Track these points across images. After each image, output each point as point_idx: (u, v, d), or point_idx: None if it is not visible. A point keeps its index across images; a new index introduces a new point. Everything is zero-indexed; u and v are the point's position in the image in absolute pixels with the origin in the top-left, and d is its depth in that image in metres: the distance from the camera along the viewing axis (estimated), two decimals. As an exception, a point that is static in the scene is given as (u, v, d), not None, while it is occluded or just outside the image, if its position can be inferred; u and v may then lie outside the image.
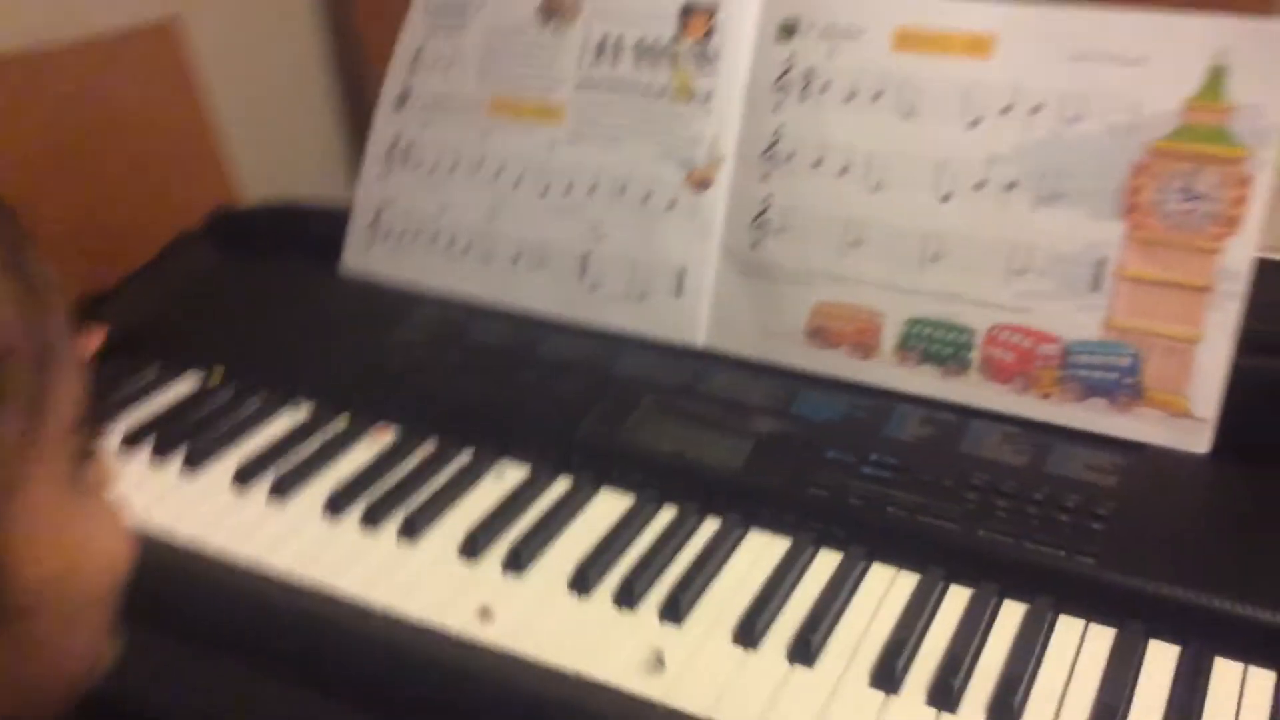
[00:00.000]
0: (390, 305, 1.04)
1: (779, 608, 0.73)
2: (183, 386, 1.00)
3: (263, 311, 1.06)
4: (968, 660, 0.67)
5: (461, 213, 1.04)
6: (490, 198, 1.03)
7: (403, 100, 1.10)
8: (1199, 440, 0.77)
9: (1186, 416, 0.77)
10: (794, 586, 0.74)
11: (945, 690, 0.65)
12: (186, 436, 0.92)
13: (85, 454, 0.47)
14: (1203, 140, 0.77)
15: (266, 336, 1.02)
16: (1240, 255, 0.76)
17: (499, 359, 0.94)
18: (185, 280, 1.12)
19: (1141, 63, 0.79)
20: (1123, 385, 0.79)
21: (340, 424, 0.93)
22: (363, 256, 1.10)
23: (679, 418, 0.86)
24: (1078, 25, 0.81)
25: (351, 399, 0.95)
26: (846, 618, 0.72)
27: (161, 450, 0.91)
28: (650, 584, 0.75)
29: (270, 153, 1.49)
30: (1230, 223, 0.76)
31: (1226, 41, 0.76)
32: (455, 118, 1.06)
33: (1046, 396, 0.81)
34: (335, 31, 1.58)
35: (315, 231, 1.16)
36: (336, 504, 0.84)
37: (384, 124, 1.11)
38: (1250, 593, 0.67)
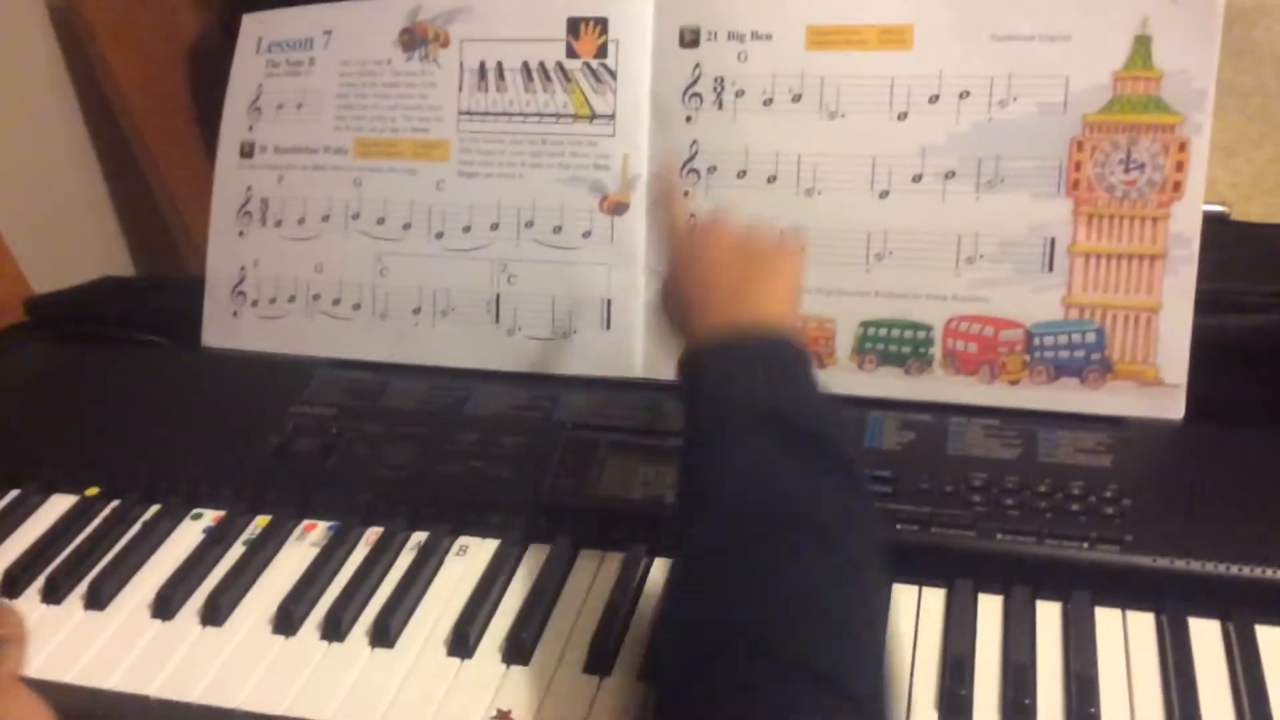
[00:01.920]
0: (277, 377, 0.93)
1: (817, 651, 0.69)
2: (53, 512, 0.86)
3: (126, 407, 0.93)
4: (1031, 674, 0.65)
5: (343, 269, 0.94)
6: (375, 248, 0.93)
7: (247, 152, 0.98)
8: (1174, 407, 0.78)
9: (1158, 385, 0.78)
10: (823, 624, 0.70)
11: (1022, 711, 0.63)
12: (76, 572, 0.80)
13: None
14: (1136, 110, 0.77)
15: (140, 436, 0.89)
16: (1188, 219, 0.77)
17: (427, 423, 0.86)
18: (22, 384, 0.97)
19: (1065, 38, 0.78)
20: (1091, 362, 0.79)
21: (259, 528, 0.83)
22: (227, 329, 0.98)
23: (645, 459, 0.81)
24: (995, 6, 0.80)
25: (265, 496, 0.84)
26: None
27: (52, 593, 0.78)
28: (672, 650, 0.70)
29: (42, 239, 1.30)
30: (1174, 188, 0.77)
31: (1147, 10, 0.77)
32: (317, 165, 0.95)
33: (1016, 383, 0.81)
34: (83, 94, 1.41)
35: (160, 307, 1.04)
36: (287, 619, 0.74)
37: (228, 180, 0.99)
38: (1274, 556, 0.68)
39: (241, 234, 0.98)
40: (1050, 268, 0.79)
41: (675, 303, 0.68)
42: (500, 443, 0.83)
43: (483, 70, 0.90)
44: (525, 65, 0.89)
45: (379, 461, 0.84)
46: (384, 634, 0.72)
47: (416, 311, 0.92)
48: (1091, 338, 0.79)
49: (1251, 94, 1.57)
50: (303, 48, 0.97)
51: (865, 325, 0.83)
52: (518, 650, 0.70)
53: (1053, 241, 0.79)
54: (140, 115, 1.83)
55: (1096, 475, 0.74)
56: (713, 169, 0.86)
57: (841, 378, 0.84)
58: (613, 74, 0.87)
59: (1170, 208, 0.77)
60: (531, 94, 0.89)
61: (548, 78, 0.89)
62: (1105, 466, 0.74)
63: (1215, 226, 1.05)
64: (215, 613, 0.75)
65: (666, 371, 0.87)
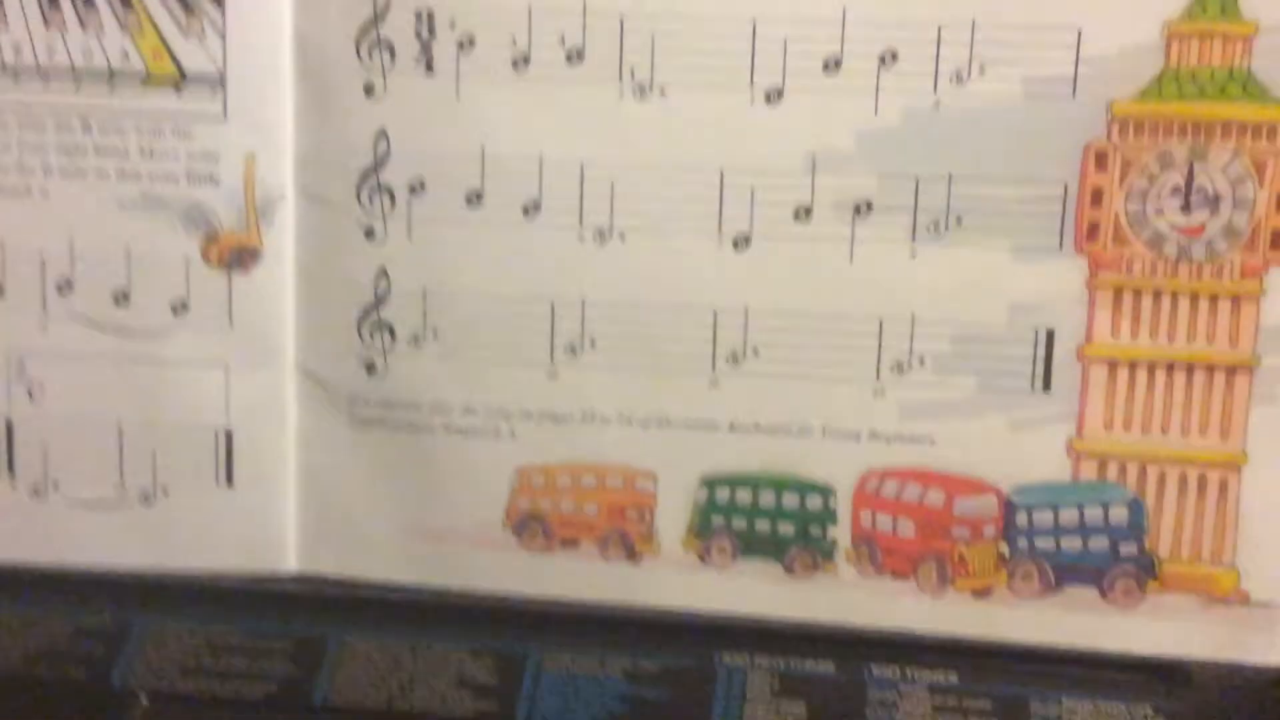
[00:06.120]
0: None
1: None
2: None
3: None
4: None
5: None
6: None
7: None
8: (1267, 645, 0.43)
9: (1238, 602, 0.43)
10: None
11: None
12: None
13: None
14: (1208, 94, 0.42)
15: None
16: (1297, 299, 0.42)
17: None
18: None
19: (1077, -42, 0.42)
20: (1120, 557, 0.44)
21: None
22: None
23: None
24: (946, -107, 0.42)
25: None
26: None
27: None
28: None
29: None
30: (1273, 241, 0.42)
31: (1232, -90, 0.41)
32: None
33: (984, 593, 0.44)
34: None
35: None
36: None
37: None
38: None
39: None
40: (1046, 385, 0.43)
41: None
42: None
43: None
44: (46, -24, 0.46)
45: None
46: None
47: None
48: (1121, 514, 0.43)
49: None
50: None
51: (710, 484, 0.45)
52: None
53: (1050, 335, 0.43)
54: None
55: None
56: (419, 185, 0.45)
57: (668, 580, 0.46)
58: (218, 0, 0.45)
59: (1264, 276, 0.42)
60: (58, 32, 0.46)
61: (88, 2, 0.46)
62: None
63: None
64: None
65: (342, 565, 0.47)
